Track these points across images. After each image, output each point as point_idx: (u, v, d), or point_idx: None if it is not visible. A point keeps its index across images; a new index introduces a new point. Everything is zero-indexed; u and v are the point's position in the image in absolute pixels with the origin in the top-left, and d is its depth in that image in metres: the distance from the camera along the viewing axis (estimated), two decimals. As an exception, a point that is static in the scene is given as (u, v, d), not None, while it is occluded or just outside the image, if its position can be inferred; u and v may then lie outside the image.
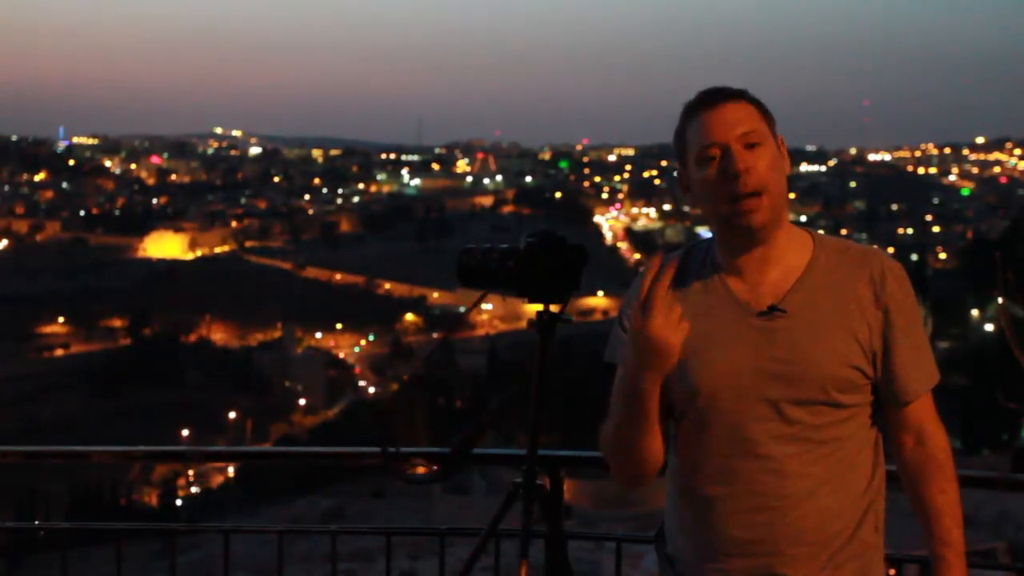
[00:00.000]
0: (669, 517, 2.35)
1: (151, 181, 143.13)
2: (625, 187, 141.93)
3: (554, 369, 2.52)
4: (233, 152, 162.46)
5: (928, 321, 66.02)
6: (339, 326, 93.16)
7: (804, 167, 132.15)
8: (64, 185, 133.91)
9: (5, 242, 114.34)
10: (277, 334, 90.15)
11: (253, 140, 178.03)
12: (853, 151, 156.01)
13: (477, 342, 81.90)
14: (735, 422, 2.21)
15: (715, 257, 2.28)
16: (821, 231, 2.34)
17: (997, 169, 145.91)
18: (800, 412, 2.18)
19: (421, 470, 2.62)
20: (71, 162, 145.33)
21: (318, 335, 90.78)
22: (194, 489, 57.09)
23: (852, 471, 2.23)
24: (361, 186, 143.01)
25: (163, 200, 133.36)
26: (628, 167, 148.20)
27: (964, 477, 3.45)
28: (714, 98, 2.21)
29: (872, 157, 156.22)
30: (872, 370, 2.21)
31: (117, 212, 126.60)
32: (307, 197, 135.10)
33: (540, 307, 2.49)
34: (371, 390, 76.80)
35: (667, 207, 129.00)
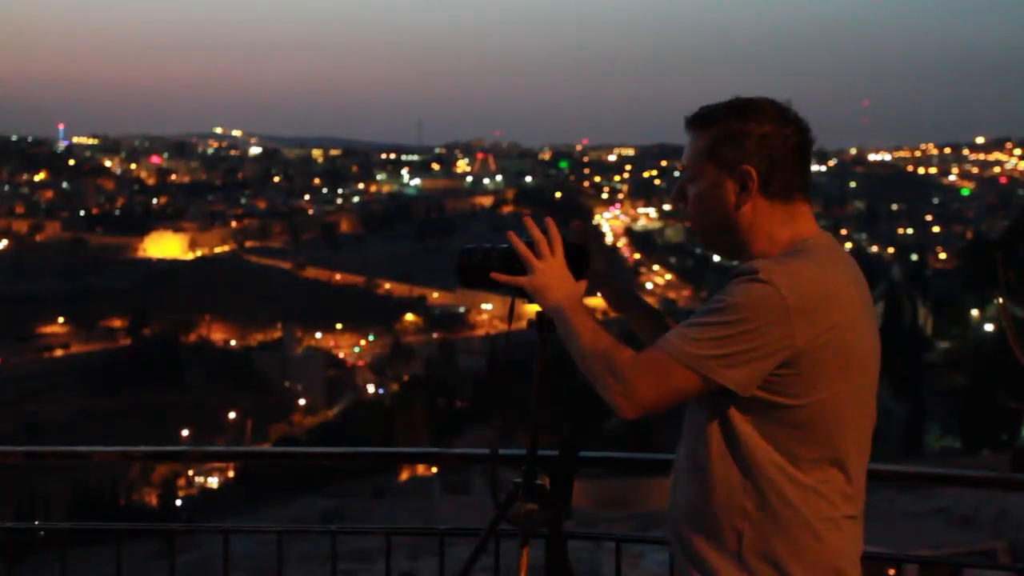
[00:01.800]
0: None
1: (151, 181, 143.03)
2: (625, 187, 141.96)
3: (554, 369, 2.52)
4: (233, 152, 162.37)
5: (928, 321, 66.07)
6: (339, 326, 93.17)
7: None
8: (64, 185, 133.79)
9: (5, 242, 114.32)
10: (277, 334, 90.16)
11: (253, 140, 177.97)
12: (853, 151, 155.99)
13: (477, 342, 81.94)
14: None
15: None
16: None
17: (997, 169, 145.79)
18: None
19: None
20: (71, 162, 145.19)
21: (318, 335, 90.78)
22: (194, 489, 57.15)
23: (702, 470, 2.23)
24: (361, 186, 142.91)
25: (163, 200, 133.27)
26: (628, 167, 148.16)
27: (964, 477, 3.45)
28: (687, 124, 2.31)
29: (872, 157, 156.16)
30: None
31: (117, 212, 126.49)
32: (307, 197, 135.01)
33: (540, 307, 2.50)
34: (371, 390, 76.86)
35: (667, 207, 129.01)
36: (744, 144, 2.20)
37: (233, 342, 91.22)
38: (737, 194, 2.22)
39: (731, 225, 2.24)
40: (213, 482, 56.60)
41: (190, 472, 56.48)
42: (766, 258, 2.18)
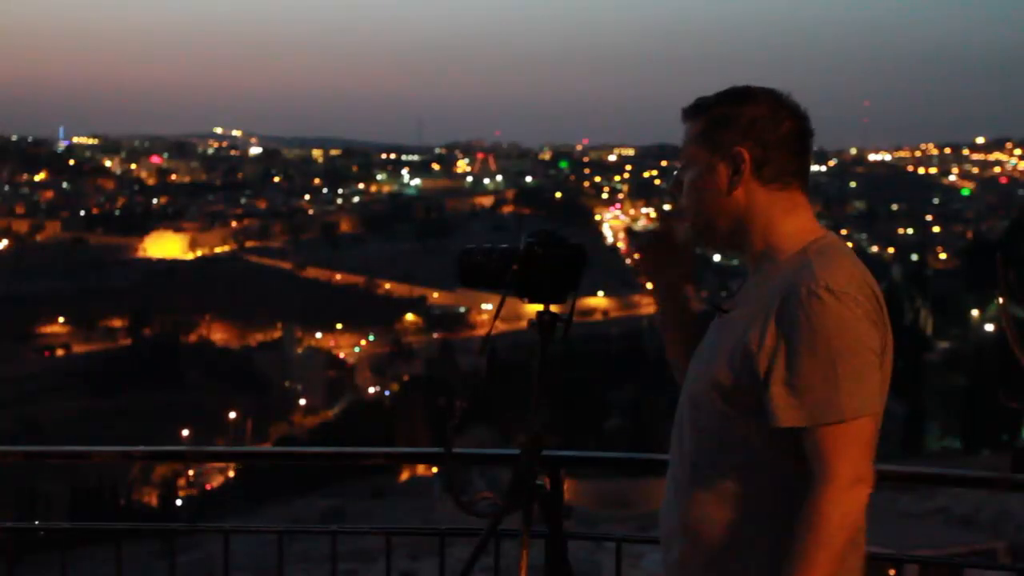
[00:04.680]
0: None
1: (151, 181, 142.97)
2: (625, 187, 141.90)
3: (554, 369, 2.52)
4: (233, 152, 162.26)
5: (928, 321, 66.06)
6: (339, 326, 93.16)
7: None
8: (64, 185, 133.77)
9: (5, 242, 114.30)
10: (277, 334, 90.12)
11: (253, 140, 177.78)
12: (853, 151, 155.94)
13: (477, 342, 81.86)
14: (680, 412, 2.29)
15: None
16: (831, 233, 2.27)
17: (997, 169, 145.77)
18: (699, 410, 2.20)
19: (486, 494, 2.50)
20: (71, 162, 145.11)
21: (318, 335, 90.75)
22: (194, 490, 57.09)
23: (735, 484, 2.13)
24: (361, 186, 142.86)
25: (163, 200, 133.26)
26: (628, 167, 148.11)
27: (964, 477, 3.45)
28: (684, 114, 2.29)
29: (872, 157, 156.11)
30: (754, 385, 2.09)
31: (117, 212, 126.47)
32: (307, 197, 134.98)
33: (540, 307, 2.50)
34: (371, 390, 76.86)
35: (667, 207, 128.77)
36: (737, 126, 2.18)
37: (224, 341, 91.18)
38: (730, 177, 2.19)
39: (725, 212, 2.21)
40: (176, 502, 55.22)
41: (190, 472, 56.43)
42: (807, 258, 2.14)
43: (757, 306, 2.13)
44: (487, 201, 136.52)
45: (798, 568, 1.98)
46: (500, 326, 2.51)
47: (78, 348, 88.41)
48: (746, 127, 2.18)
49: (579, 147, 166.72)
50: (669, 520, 2.25)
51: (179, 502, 52.80)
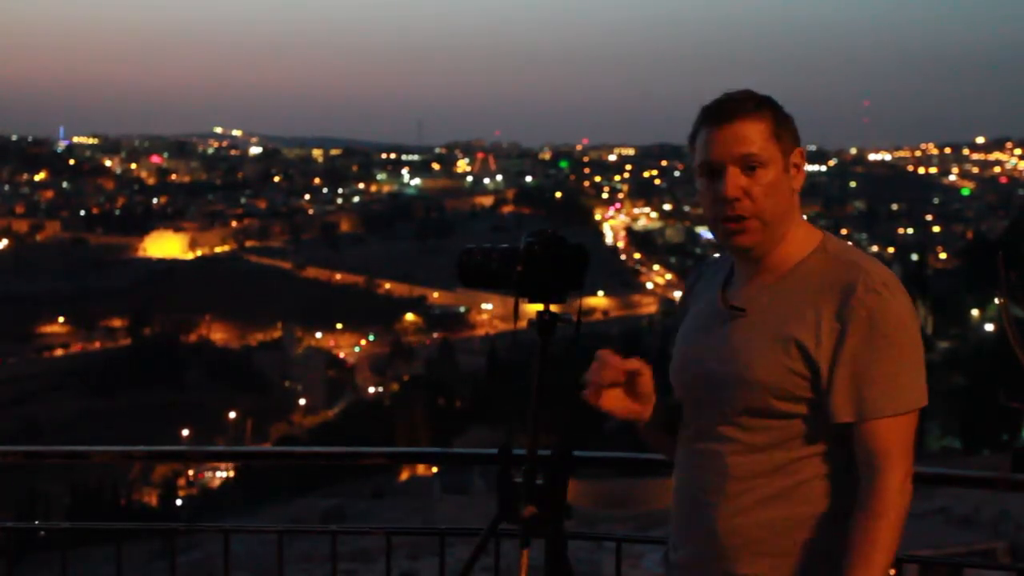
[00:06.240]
0: None
1: (151, 181, 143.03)
2: (625, 187, 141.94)
3: (554, 369, 2.52)
4: (233, 152, 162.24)
5: (928, 321, 66.04)
6: (339, 326, 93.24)
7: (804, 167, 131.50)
8: (64, 185, 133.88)
9: (5, 242, 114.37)
10: (277, 334, 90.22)
11: (253, 140, 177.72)
12: (853, 151, 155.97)
13: (477, 342, 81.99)
14: (691, 414, 2.27)
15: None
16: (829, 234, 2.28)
17: (997, 169, 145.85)
18: (735, 413, 2.18)
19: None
20: (71, 162, 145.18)
21: (318, 335, 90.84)
22: (194, 489, 57.12)
23: (789, 480, 2.14)
24: (361, 186, 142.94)
25: (163, 200, 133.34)
26: (628, 167, 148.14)
27: (964, 477, 3.44)
28: (726, 114, 2.16)
29: (872, 157, 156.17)
30: (815, 382, 2.10)
31: (117, 212, 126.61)
32: (307, 197, 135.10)
33: (540, 307, 2.50)
34: (371, 390, 76.93)
35: (667, 207, 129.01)
36: (792, 128, 2.20)
37: (224, 341, 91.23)
38: (794, 177, 2.21)
39: (787, 211, 2.20)
40: (176, 502, 54.81)
41: (190, 472, 56.45)
42: (831, 244, 2.20)
43: (795, 303, 2.14)
44: (487, 201, 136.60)
45: (870, 553, 2.03)
46: (499, 326, 2.51)
47: (78, 348, 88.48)
48: (795, 130, 2.21)
49: (579, 147, 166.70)
50: (694, 527, 2.23)
51: (179, 502, 52.82)
